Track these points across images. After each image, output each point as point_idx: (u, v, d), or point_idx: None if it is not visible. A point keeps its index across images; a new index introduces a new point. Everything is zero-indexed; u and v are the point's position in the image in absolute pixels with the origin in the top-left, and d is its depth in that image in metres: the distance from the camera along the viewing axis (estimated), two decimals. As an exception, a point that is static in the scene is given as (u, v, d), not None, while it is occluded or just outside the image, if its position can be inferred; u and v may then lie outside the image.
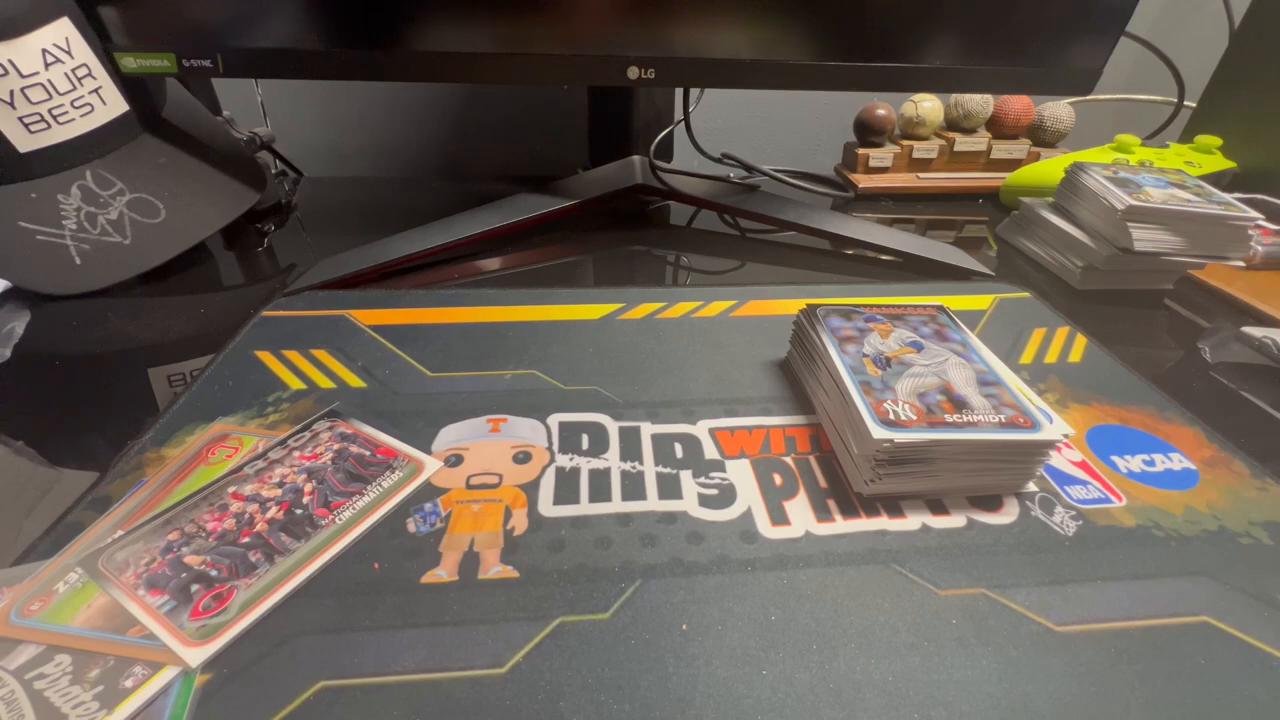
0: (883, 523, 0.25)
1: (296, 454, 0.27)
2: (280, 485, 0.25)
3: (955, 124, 0.62)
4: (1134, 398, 0.32)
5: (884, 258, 0.48)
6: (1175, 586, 0.23)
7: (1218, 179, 0.54)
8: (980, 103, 0.60)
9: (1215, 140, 0.55)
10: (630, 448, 0.28)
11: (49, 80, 0.37)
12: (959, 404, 0.26)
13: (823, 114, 0.77)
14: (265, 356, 0.33)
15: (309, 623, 0.21)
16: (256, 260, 0.46)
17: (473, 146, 0.76)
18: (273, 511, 0.24)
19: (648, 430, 0.29)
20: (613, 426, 0.29)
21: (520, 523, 0.24)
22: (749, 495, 0.26)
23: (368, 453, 0.27)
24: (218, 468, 0.26)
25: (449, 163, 0.76)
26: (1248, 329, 0.37)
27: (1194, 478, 0.28)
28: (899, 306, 0.32)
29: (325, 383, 0.31)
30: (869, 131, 0.61)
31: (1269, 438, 0.31)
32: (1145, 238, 0.40)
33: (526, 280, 0.44)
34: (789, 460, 0.28)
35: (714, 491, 0.26)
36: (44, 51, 0.37)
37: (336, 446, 0.27)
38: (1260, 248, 0.45)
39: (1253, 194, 0.49)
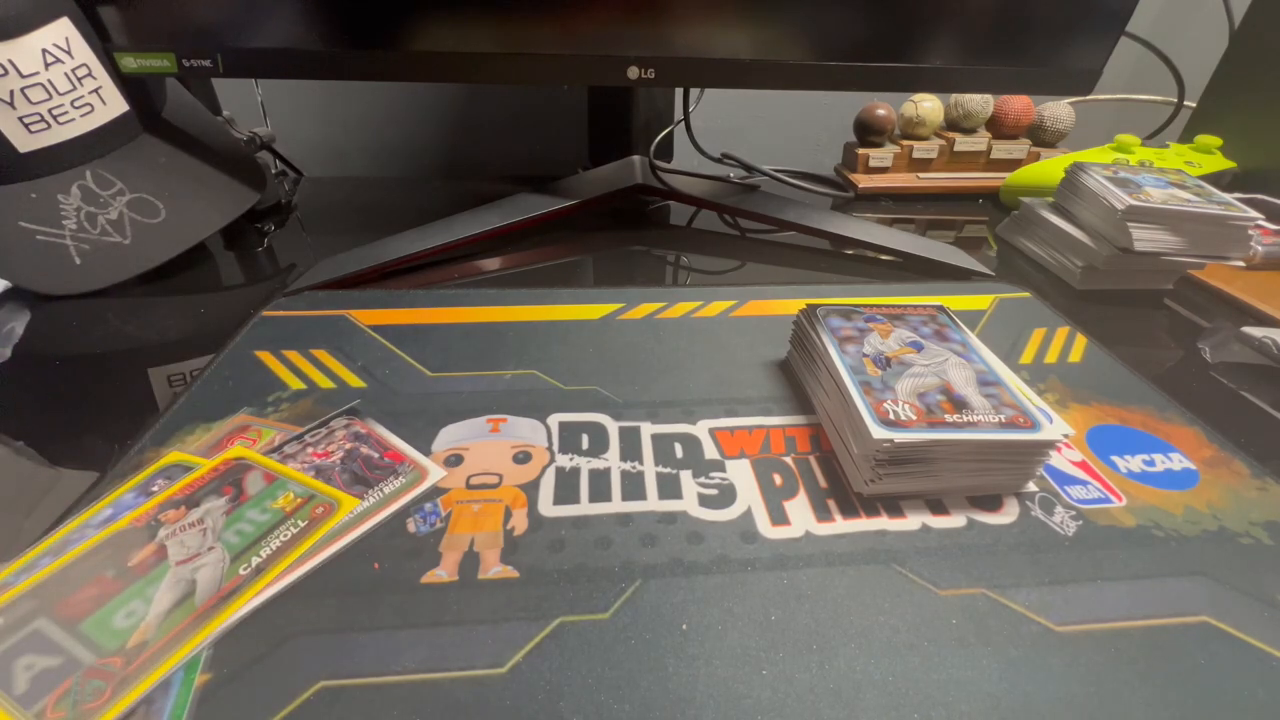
0: (883, 523, 0.25)
1: (310, 450, 0.27)
2: None
3: (955, 124, 0.62)
4: (1134, 398, 0.32)
5: (884, 258, 0.48)
6: (1175, 586, 0.23)
7: (1218, 179, 0.54)
8: (980, 103, 0.60)
9: (1215, 140, 0.55)
10: (630, 448, 0.28)
11: (49, 80, 0.37)
12: (959, 404, 0.26)
13: (823, 114, 0.77)
14: (265, 356, 0.33)
15: (309, 623, 0.21)
16: (256, 260, 0.46)
17: (473, 146, 0.76)
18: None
19: (648, 430, 0.29)
20: (613, 426, 0.29)
21: (520, 523, 0.24)
22: (749, 495, 0.26)
23: (376, 455, 0.27)
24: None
25: (449, 163, 0.76)
26: (1248, 329, 0.37)
27: (1194, 478, 0.28)
28: (899, 306, 0.32)
29: (325, 383, 0.31)
30: (869, 131, 0.61)
31: (1269, 438, 0.31)
32: (1145, 238, 0.40)
33: (526, 280, 0.44)
34: (789, 460, 0.28)
35: (714, 491, 0.26)
36: (44, 51, 0.37)
37: (348, 446, 0.27)
38: (1260, 248, 0.45)
39: (1253, 194, 0.49)
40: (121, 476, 0.25)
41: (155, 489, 0.25)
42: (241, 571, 0.22)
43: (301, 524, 0.23)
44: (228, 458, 0.26)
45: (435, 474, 0.26)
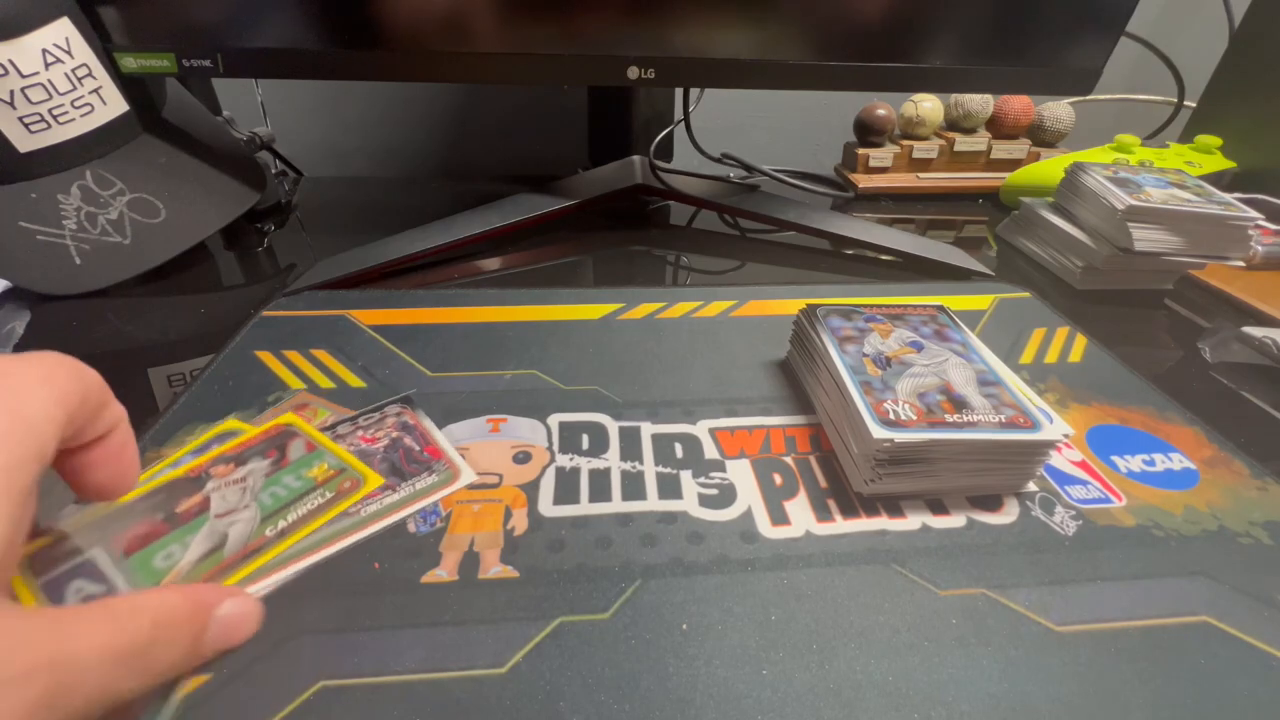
0: (883, 523, 0.25)
1: (359, 434, 0.28)
2: None
3: (955, 124, 0.62)
4: (1134, 398, 0.32)
5: (884, 258, 0.48)
6: (1175, 586, 0.23)
7: (1218, 179, 0.54)
8: (980, 103, 0.60)
9: (1215, 140, 0.55)
10: (630, 448, 0.28)
11: (49, 80, 0.37)
12: (959, 404, 0.26)
13: (823, 114, 0.77)
14: (265, 356, 0.33)
15: (309, 623, 0.21)
16: (256, 260, 0.46)
17: (473, 146, 0.76)
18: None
19: (648, 430, 0.29)
20: (613, 426, 0.29)
21: (520, 523, 0.24)
22: (749, 495, 0.26)
23: (417, 448, 0.27)
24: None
25: (449, 163, 0.76)
26: (1248, 329, 0.37)
27: (1194, 478, 0.28)
28: (899, 306, 0.32)
29: (325, 382, 0.31)
30: (869, 131, 0.61)
31: (1269, 438, 0.31)
32: (1145, 238, 0.40)
33: (526, 280, 0.44)
34: (789, 460, 0.28)
35: (714, 491, 0.26)
36: (44, 51, 0.37)
37: (394, 435, 0.28)
38: (1260, 248, 0.45)
39: (1253, 194, 0.49)
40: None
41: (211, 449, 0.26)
42: (267, 533, 0.23)
43: (329, 495, 0.24)
44: (279, 422, 0.27)
45: (467, 476, 0.26)
